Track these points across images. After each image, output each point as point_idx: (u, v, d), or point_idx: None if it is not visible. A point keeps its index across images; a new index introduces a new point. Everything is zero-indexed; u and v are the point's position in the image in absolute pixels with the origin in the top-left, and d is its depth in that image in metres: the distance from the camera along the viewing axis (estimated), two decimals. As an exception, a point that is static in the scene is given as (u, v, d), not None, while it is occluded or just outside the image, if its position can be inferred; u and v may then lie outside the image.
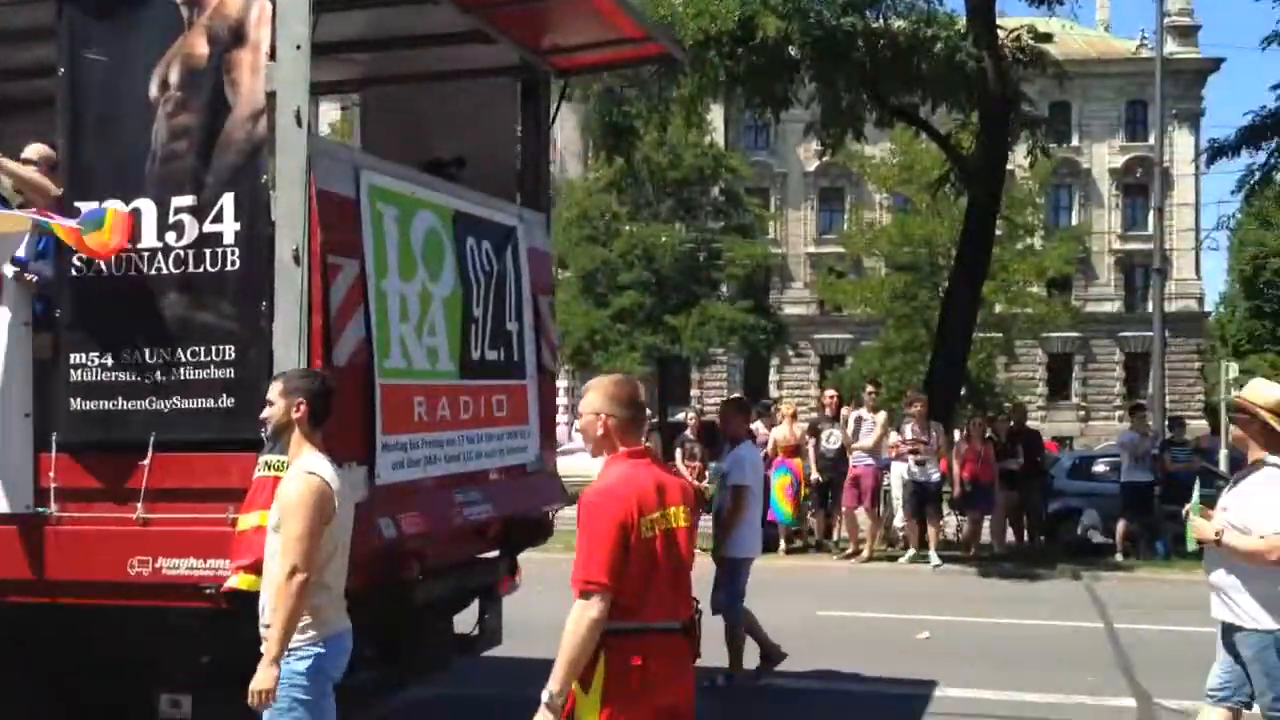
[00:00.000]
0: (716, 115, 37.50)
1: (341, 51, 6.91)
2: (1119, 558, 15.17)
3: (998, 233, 23.04)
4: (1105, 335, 52.21)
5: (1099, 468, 17.67)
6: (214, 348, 4.98)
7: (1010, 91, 17.20)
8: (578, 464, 10.03)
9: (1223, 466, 17.39)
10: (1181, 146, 49.78)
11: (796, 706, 8.24)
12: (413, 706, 7.09)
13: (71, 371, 5.15)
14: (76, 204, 5.14)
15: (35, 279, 5.32)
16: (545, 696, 3.76)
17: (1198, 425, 33.99)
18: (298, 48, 4.86)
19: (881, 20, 16.82)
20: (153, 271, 5.06)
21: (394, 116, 7.44)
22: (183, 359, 5.01)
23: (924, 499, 14.90)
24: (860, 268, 44.51)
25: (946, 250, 31.14)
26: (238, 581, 4.62)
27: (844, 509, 15.38)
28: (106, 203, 5.05)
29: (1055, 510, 16.85)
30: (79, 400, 5.14)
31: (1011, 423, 16.88)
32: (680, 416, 21.74)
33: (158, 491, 5.00)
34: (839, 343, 50.85)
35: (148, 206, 5.07)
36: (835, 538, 16.08)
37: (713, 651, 7.07)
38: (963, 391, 23.51)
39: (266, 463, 4.61)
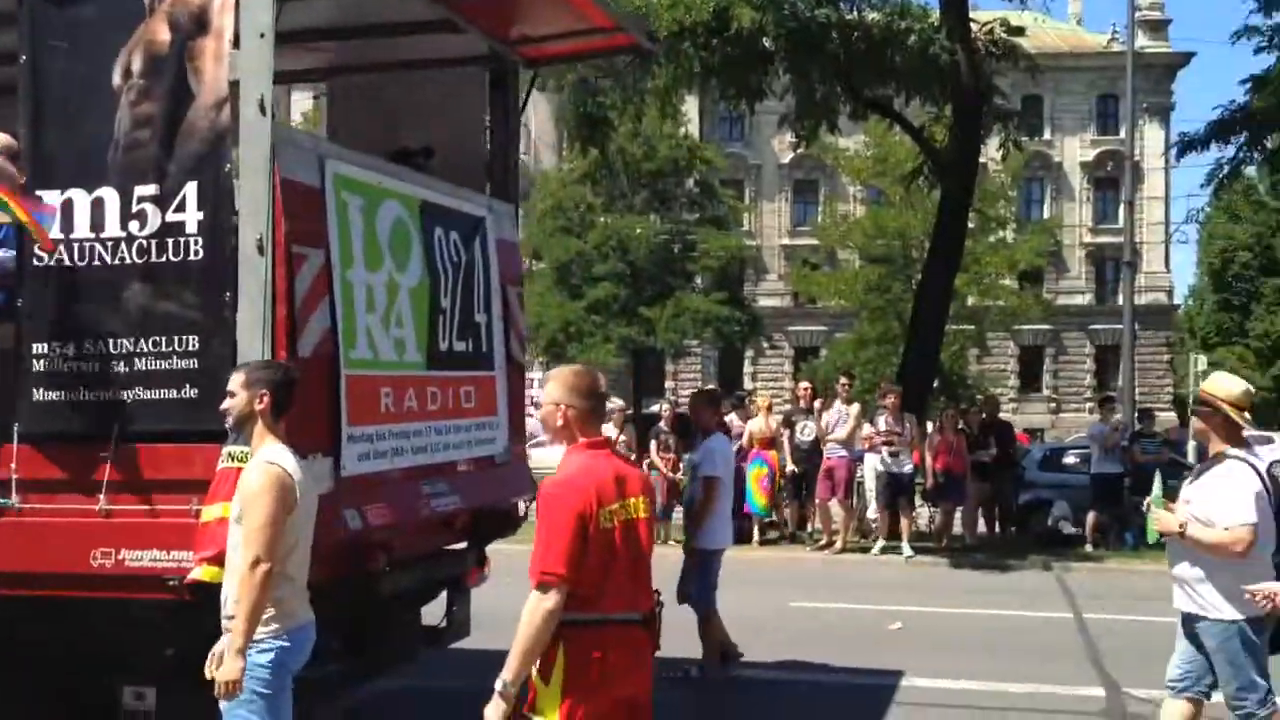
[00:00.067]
0: (691, 107, 37.48)
1: (307, 40, 6.85)
2: (1089, 548, 15.30)
3: (970, 225, 23.15)
4: (1076, 328, 52.56)
5: (1069, 459, 17.80)
6: (177, 338, 4.93)
7: (983, 85, 17.28)
8: (550, 456, 9.98)
9: (1191, 458, 17.48)
10: (1152, 140, 50.10)
11: (767, 697, 8.26)
12: (380, 698, 7.08)
13: (34, 362, 5.08)
14: (39, 193, 5.08)
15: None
16: (499, 685, 3.77)
17: (1167, 417, 34.16)
18: (261, 35, 4.80)
19: (856, 12, 16.87)
20: (116, 261, 5.00)
21: (361, 106, 7.38)
22: (146, 349, 4.96)
23: (897, 490, 14.95)
24: (834, 260, 44.66)
25: (920, 243, 31.29)
26: (201, 573, 4.57)
27: (817, 501, 15.42)
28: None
29: (1026, 501, 16.96)
30: (41, 391, 5.07)
31: (984, 414, 16.96)
32: (655, 408, 21.73)
33: (121, 483, 4.95)
34: (813, 335, 51.00)
35: (111, 195, 5.00)
36: (809, 529, 16.13)
37: (681, 643, 7.08)
38: (935, 383, 23.63)
39: (230, 454, 4.57)
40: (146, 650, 5.10)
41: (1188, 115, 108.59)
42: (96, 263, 5.02)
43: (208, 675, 4.31)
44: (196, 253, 4.91)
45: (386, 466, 5.56)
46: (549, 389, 4.02)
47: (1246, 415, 5.45)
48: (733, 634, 8.57)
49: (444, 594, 6.65)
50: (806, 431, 15.52)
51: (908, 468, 15.02)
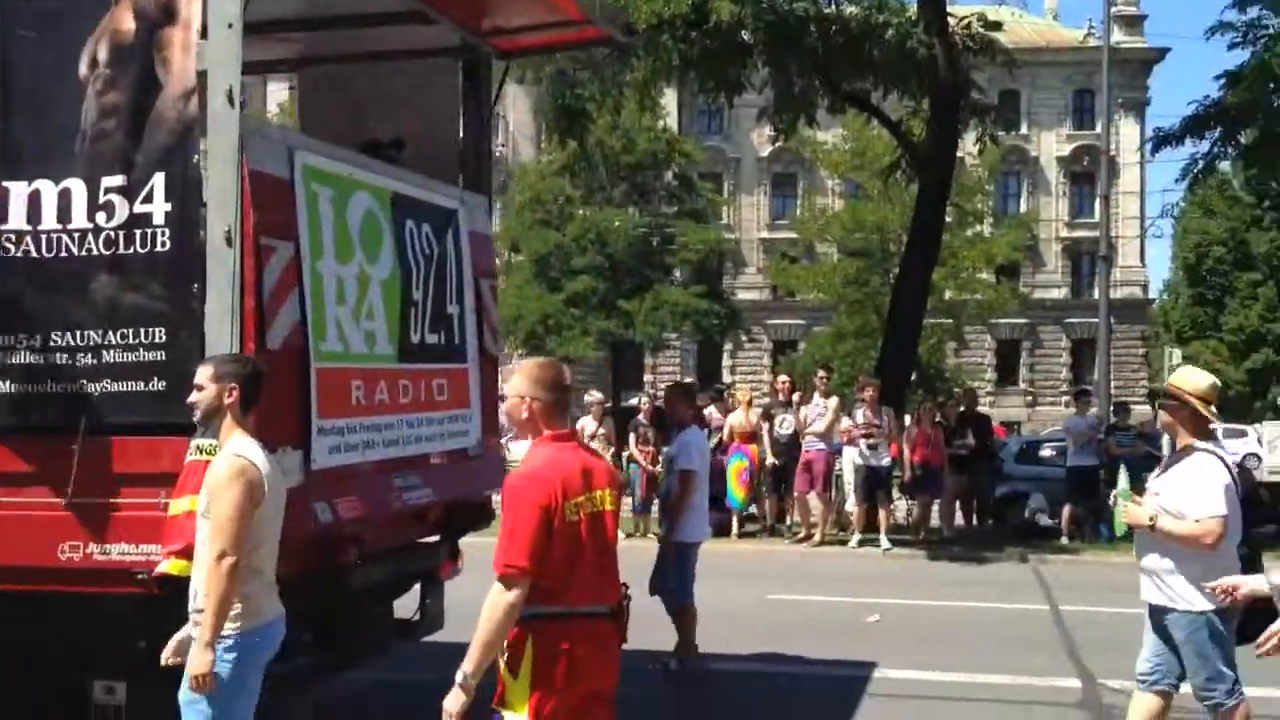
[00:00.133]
0: (670, 99, 37.45)
1: (277, 30, 6.80)
2: (1065, 541, 15.38)
3: (947, 219, 23.21)
4: (1052, 322, 52.82)
5: (1045, 452, 17.89)
6: (145, 330, 4.89)
7: (960, 79, 17.32)
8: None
9: (1165, 451, 17.59)
10: (1127, 135, 50.32)
11: (745, 689, 8.27)
12: (352, 691, 7.05)
13: (-1, 354, 5.04)
14: (4, 184, 5.03)
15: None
16: (459, 677, 3.76)
17: (1142, 410, 34.40)
18: (229, 26, 4.77)
19: (834, 6, 16.91)
20: (83, 252, 4.94)
21: (332, 97, 7.32)
22: (113, 341, 4.92)
23: (875, 483, 15.00)
24: (813, 253, 44.66)
25: (898, 236, 31.34)
26: (169, 567, 4.55)
27: (796, 494, 15.44)
28: None
29: (1003, 494, 17.04)
30: (6, 383, 5.03)
31: (961, 407, 17.02)
32: (634, 401, 21.72)
33: (88, 476, 4.90)
34: (792, 328, 51.06)
35: (78, 186, 4.95)
36: (788, 522, 16.15)
37: (650, 635, 7.07)
38: (913, 377, 23.68)
39: (198, 446, 4.54)
40: (117, 644, 5.07)
41: (1163, 110, 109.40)
42: (63, 254, 4.96)
43: (163, 663, 4.29)
44: (164, 244, 4.87)
45: (358, 459, 5.53)
46: (513, 382, 4.02)
47: (1213, 409, 5.48)
48: (711, 626, 8.57)
49: (417, 587, 6.62)
50: (785, 425, 15.54)
51: (885, 460, 15.06)
